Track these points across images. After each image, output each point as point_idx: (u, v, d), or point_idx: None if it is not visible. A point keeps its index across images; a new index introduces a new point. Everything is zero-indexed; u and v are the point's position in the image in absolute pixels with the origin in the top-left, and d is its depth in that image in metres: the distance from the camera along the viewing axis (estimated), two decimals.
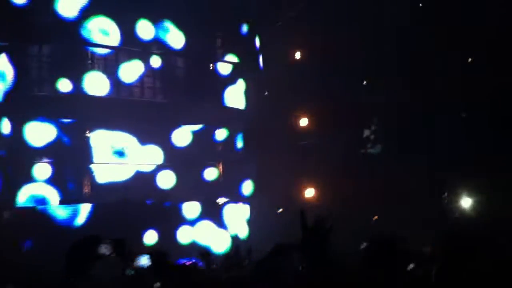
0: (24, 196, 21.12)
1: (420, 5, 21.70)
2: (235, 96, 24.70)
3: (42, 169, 21.33)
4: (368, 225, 20.25)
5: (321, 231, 5.25)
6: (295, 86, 23.01)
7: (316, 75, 22.75)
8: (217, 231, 23.00)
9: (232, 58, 24.82)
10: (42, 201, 21.28)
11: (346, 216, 19.07)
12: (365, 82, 22.88)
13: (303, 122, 24.59)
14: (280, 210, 22.78)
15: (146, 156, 23.32)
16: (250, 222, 23.77)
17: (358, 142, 22.87)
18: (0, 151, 21.03)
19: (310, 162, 22.36)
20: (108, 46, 21.83)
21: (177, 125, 24.10)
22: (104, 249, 4.25)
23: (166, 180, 23.53)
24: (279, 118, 23.52)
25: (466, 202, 20.31)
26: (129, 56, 22.38)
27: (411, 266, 6.69)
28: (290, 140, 23.66)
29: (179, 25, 23.09)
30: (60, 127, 21.76)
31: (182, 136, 24.26)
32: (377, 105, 21.93)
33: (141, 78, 22.67)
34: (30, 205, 20.95)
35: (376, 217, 21.05)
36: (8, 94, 20.71)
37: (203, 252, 16.58)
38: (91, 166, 22.13)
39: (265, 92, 24.98)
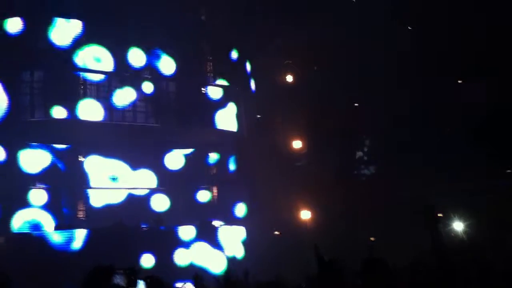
0: (19, 222, 21.30)
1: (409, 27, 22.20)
2: (227, 119, 24.96)
3: (37, 195, 21.62)
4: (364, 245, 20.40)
5: (337, 265, 5.53)
6: (287, 109, 23.26)
7: (308, 98, 23.04)
8: (213, 253, 23.10)
9: (222, 82, 25.12)
10: (37, 226, 21.45)
11: (341, 235, 19.33)
12: (356, 104, 23.27)
13: (297, 144, 24.81)
14: (277, 232, 22.84)
15: (140, 180, 23.59)
16: (245, 243, 23.83)
17: (351, 163, 22.98)
18: None
19: (304, 184, 22.49)
20: (101, 71, 22.11)
21: (169, 148, 24.43)
22: (118, 279, 4.40)
23: (160, 203, 23.80)
24: (272, 141, 23.67)
25: (459, 225, 20.45)
26: (122, 82, 22.63)
27: None
28: (284, 162, 23.80)
29: (170, 52, 23.43)
30: (54, 152, 22.13)
31: (175, 159, 24.56)
32: (371, 125, 22.20)
33: (134, 103, 22.91)
34: (26, 230, 21.11)
35: (373, 239, 21.24)
36: (2, 121, 20.96)
37: (196, 275, 16.77)
38: (86, 191, 22.41)
39: (257, 115, 25.17)
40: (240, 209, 25.36)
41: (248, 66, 25.70)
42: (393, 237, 19.21)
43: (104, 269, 4.47)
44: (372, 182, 21.95)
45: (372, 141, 22.62)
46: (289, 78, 24.90)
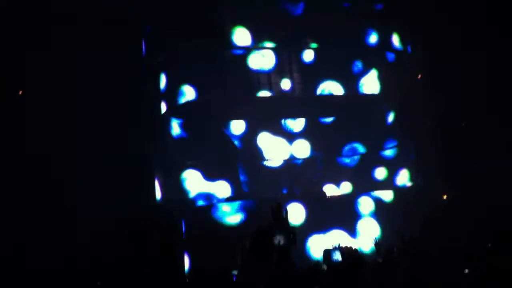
0: (193, 193, 23.01)
1: None
2: (370, 84, 24.89)
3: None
4: None
5: None
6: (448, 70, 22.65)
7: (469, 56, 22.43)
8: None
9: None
10: (208, 197, 22.76)
11: None
12: None
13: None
14: (445, 196, 22.80)
15: (297, 150, 24.84)
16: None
17: None
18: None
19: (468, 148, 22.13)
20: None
21: (317, 117, 25.46)
22: (279, 239, 4.52)
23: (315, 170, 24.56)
24: (432, 103, 23.14)
25: None
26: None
27: None
28: (445, 124, 23.30)
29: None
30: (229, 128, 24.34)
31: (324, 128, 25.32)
32: None
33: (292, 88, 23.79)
34: (200, 202, 22.83)
35: None
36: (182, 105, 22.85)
37: (377, 243, 17.40)
38: (258, 164, 23.73)
39: (418, 76, 24.63)
40: (382, 173, 25.64)
41: (396, 39, 25.39)
42: None
43: (264, 231, 4.72)
44: None
45: None
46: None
